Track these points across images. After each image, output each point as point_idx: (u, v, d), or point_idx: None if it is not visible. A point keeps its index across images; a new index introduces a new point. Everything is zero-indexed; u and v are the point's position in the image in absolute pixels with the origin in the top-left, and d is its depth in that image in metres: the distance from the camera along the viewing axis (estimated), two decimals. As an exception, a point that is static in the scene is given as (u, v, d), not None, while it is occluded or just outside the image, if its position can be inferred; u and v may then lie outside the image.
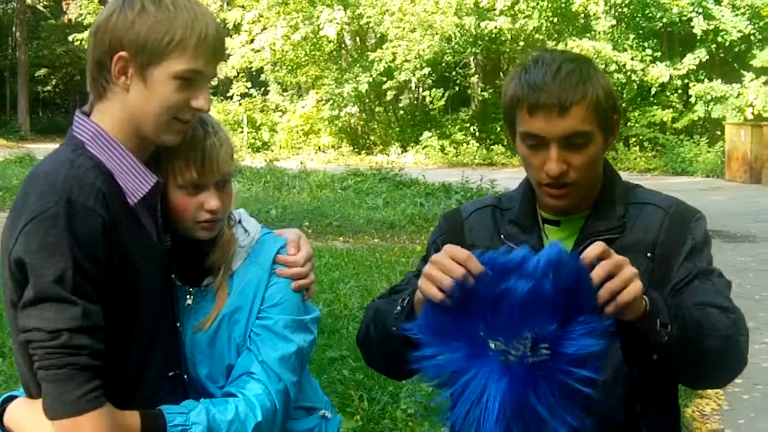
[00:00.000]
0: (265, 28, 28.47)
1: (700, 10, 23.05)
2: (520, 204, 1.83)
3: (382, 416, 4.79)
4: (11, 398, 1.70)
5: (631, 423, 1.73)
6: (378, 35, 27.91)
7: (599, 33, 23.97)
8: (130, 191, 1.64)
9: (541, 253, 1.43)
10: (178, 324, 1.79)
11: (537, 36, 25.63)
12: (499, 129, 26.11)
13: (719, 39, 23.47)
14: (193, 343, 1.81)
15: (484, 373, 1.42)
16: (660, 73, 23.52)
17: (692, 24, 23.12)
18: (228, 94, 30.64)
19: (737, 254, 10.75)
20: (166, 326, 1.74)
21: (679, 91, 24.60)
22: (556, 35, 25.46)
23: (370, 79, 26.61)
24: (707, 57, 23.81)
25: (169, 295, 1.75)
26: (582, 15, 24.71)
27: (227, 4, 31.15)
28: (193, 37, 1.61)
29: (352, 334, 6.11)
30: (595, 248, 1.44)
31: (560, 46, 23.73)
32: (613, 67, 23.37)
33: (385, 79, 26.67)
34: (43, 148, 22.77)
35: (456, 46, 26.73)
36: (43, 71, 38.65)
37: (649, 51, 24.19)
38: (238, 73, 29.61)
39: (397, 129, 29.04)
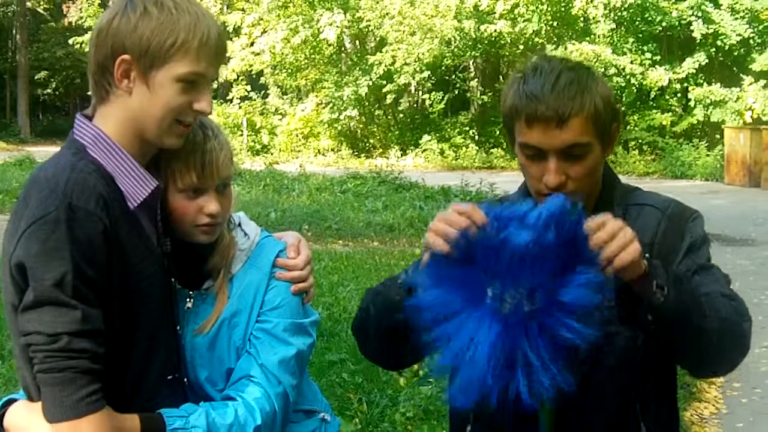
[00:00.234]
0: (265, 31, 28.47)
1: (700, 14, 23.07)
2: None
3: (381, 419, 4.79)
4: (11, 401, 1.70)
5: (630, 424, 1.73)
6: (378, 38, 27.92)
7: (599, 37, 23.99)
8: (131, 195, 1.64)
9: (543, 205, 1.47)
10: (178, 327, 1.80)
11: (536, 39, 25.65)
12: (498, 132, 26.12)
13: (718, 43, 23.49)
14: (193, 347, 1.81)
15: (480, 317, 1.44)
16: (659, 76, 23.54)
17: (692, 28, 23.15)
18: (228, 97, 30.63)
19: (736, 257, 10.75)
20: (165, 330, 1.74)
21: (679, 94, 24.63)
22: (555, 39, 25.46)
23: (370, 83, 26.61)
24: (706, 61, 23.83)
25: (168, 298, 1.75)
26: (581, 19, 24.73)
27: (227, 7, 31.16)
28: (196, 39, 1.61)
29: (352, 338, 6.09)
30: (600, 217, 1.49)
31: (560, 50, 23.77)
32: (612, 70, 23.40)
33: (384, 82, 26.68)
34: (43, 151, 22.83)
35: (456, 50, 26.74)
36: (43, 74, 38.64)
37: (648, 55, 24.20)
38: (238, 76, 29.60)
39: (397, 132, 29.04)
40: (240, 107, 30.21)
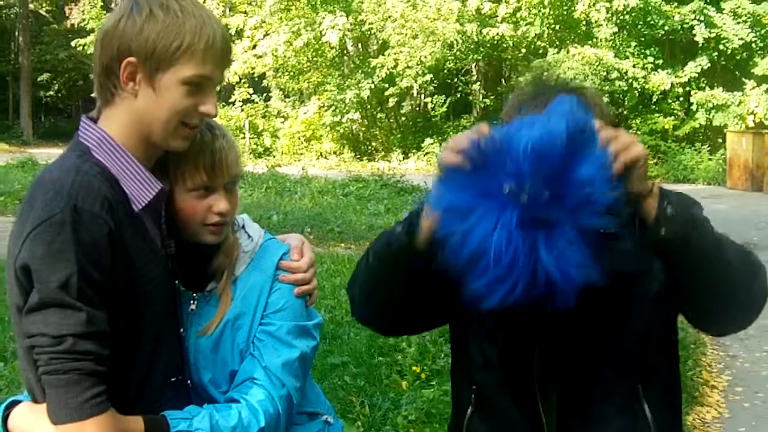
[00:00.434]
0: (267, 34, 28.49)
1: (702, 18, 23.06)
2: None
3: (383, 422, 4.79)
4: (15, 403, 1.70)
5: (630, 424, 1.73)
6: (380, 42, 27.94)
7: (601, 40, 23.98)
8: (135, 198, 1.64)
9: (551, 107, 1.48)
10: (182, 329, 1.80)
11: (539, 43, 25.66)
12: (500, 136, 26.08)
13: (721, 47, 23.48)
14: (197, 349, 1.82)
15: (501, 205, 1.42)
16: (662, 80, 23.53)
17: (694, 32, 23.14)
18: (230, 100, 30.66)
19: (739, 262, 10.73)
20: (169, 332, 1.74)
21: (681, 98, 24.60)
22: (557, 42, 25.47)
23: (372, 86, 26.62)
24: (709, 65, 23.82)
25: (172, 300, 1.75)
26: (584, 22, 24.73)
27: (230, 10, 31.21)
28: (202, 42, 1.61)
29: (354, 341, 6.11)
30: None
31: (562, 53, 23.78)
32: (614, 74, 23.41)
33: (387, 85, 26.68)
34: (45, 153, 22.83)
35: (458, 53, 26.75)
36: (45, 76, 38.70)
37: (650, 58, 24.18)
38: (241, 79, 29.64)
39: (399, 135, 29.05)
40: (242, 110, 30.24)
